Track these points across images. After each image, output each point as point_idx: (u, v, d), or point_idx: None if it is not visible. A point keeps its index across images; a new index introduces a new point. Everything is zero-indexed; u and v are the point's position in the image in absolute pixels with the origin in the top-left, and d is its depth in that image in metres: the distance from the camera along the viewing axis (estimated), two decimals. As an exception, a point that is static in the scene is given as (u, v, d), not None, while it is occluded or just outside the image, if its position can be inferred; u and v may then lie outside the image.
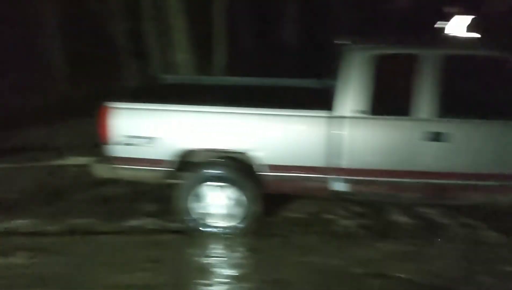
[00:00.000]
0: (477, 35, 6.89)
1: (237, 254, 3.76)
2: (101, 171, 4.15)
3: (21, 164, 5.60)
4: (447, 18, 7.93)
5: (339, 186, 3.91)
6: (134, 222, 4.27)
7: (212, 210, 4.01)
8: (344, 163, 3.84)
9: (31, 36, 8.66)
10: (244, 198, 3.95)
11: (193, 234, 4.02)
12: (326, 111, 3.82)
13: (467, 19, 7.23)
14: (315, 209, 4.56)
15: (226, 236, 3.98)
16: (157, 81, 5.26)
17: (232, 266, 3.60)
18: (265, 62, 8.96)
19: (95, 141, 4.26)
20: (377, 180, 3.87)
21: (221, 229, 4.03)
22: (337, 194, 3.97)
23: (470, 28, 7.16)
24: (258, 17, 10.84)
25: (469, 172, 3.80)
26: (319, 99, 4.06)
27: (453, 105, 3.76)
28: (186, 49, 8.06)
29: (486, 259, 3.69)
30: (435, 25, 8.18)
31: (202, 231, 4.03)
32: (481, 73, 3.89)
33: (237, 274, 3.49)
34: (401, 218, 4.37)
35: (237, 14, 10.27)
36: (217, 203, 3.99)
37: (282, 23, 10.54)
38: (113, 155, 3.98)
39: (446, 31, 7.73)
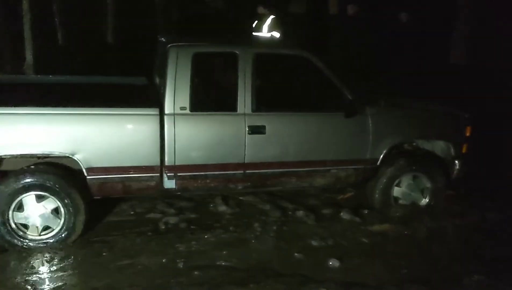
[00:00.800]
0: (277, 34, 7.50)
1: (56, 267, 3.50)
2: None
3: None
4: (261, 18, 8.38)
5: (170, 183, 3.91)
6: None
7: (32, 222, 3.68)
8: (172, 160, 3.85)
9: None
10: (67, 206, 3.69)
11: (12, 250, 3.64)
12: (151, 109, 3.77)
13: (270, 19, 7.72)
14: (141, 210, 4.52)
15: (49, 249, 3.68)
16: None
17: (50, 280, 3.34)
18: (91, 59, 8.55)
19: None
20: (207, 174, 3.98)
21: (45, 242, 3.71)
22: (168, 192, 3.98)
23: (270, 28, 7.68)
24: (79, 14, 10.25)
25: (287, 160, 4.12)
26: (145, 97, 4.00)
27: (267, 100, 4.04)
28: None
29: (298, 237, 4.06)
30: (253, 25, 8.62)
31: (22, 246, 3.66)
32: (288, 70, 4.26)
33: (54, 287, 3.25)
34: (225, 208, 4.59)
35: (53, 10, 9.58)
36: (37, 214, 3.68)
37: (106, 19, 10.13)
38: None
39: (262, 31, 8.18)
